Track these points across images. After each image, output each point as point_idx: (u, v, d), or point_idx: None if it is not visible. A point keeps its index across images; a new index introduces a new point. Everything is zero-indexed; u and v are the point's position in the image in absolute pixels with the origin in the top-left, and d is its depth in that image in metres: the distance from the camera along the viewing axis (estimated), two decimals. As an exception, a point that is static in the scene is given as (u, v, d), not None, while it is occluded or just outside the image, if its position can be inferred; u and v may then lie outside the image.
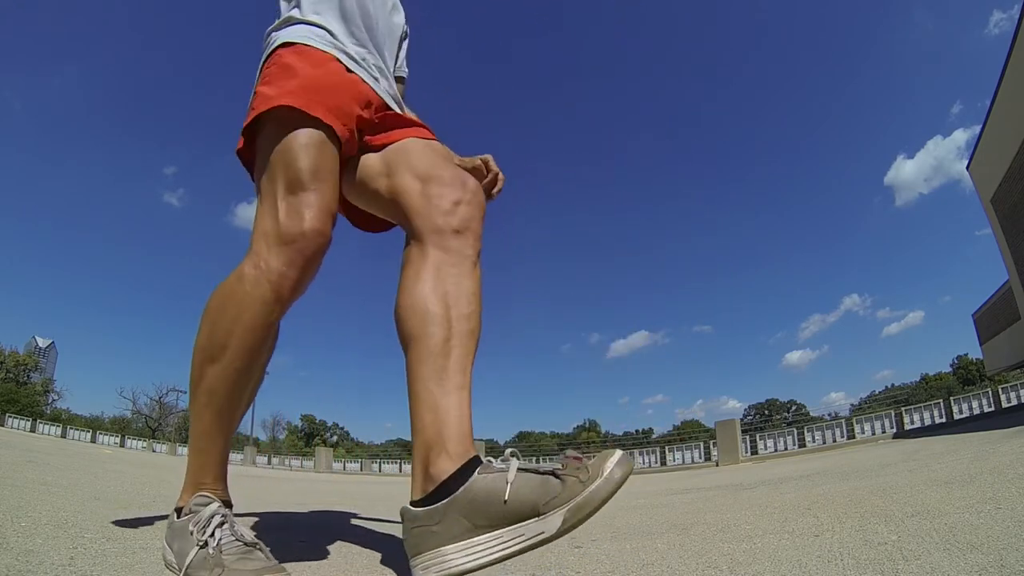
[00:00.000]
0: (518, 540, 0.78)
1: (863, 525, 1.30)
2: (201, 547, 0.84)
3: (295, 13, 1.13)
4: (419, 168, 1.08)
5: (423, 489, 0.87)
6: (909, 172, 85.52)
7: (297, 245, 0.93)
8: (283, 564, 0.85)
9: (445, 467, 0.85)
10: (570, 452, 0.86)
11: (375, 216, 1.20)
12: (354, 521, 1.96)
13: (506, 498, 0.79)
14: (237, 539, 0.85)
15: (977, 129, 13.95)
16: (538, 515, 0.78)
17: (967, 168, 15.14)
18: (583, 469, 0.81)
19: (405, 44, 1.42)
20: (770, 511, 1.75)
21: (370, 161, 1.12)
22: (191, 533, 0.87)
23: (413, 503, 0.87)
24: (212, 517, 0.88)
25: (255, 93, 1.04)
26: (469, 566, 0.79)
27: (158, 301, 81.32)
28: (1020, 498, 1.39)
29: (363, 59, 1.14)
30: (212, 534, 0.85)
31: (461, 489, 0.82)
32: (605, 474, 0.79)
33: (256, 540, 0.87)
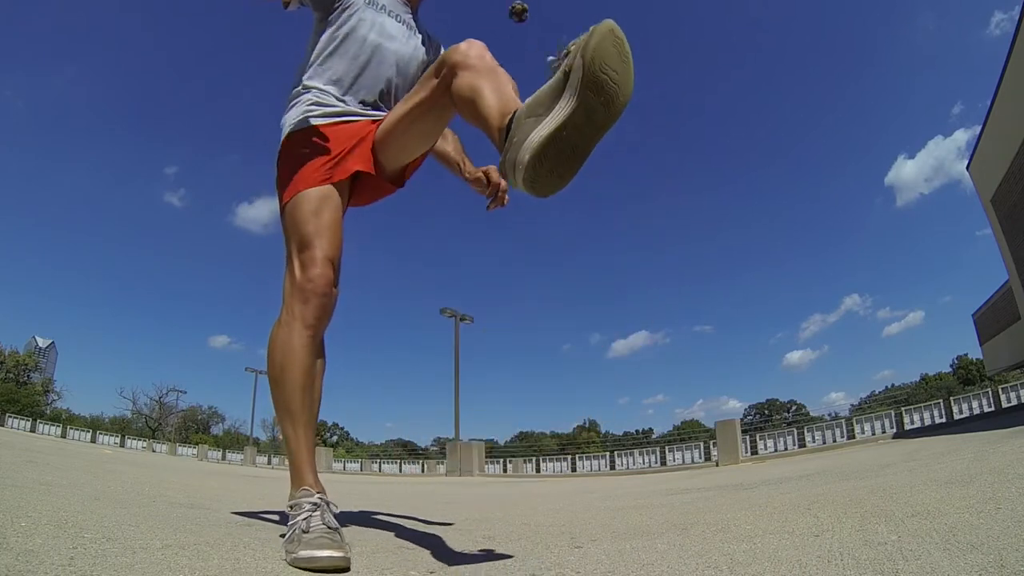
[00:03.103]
0: (565, 103, 0.94)
1: (863, 525, 1.30)
2: (294, 529, 1.11)
3: (302, 81, 1.49)
4: (428, 71, 1.31)
5: (500, 127, 1.05)
6: (910, 172, 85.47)
7: (311, 286, 1.27)
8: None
9: (506, 119, 1.03)
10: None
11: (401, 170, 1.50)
12: (353, 521, 1.96)
13: (534, 95, 0.98)
14: (323, 523, 1.11)
15: (978, 129, 13.96)
16: (566, 79, 0.95)
17: (967, 168, 15.14)
18: (580, 37, 0.97)
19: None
20: (770, 511, 1.75)
21: (392, 120, 1.39)
22: (292, 519, 1.14)
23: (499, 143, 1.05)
24: (306, 506, 1.15)
25: (277, 176, 1.43)
26: (544, 133, 0.93)
27: (158, 301, 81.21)
28: (1020, 498, 1.39)
29: (349, 110, 1.46)
30: (305, 519, 1.11)
31: (515, 116, 1.00)
32: (593, 27, 0.96)
33: (337, 526, 1.13)
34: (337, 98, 1.46)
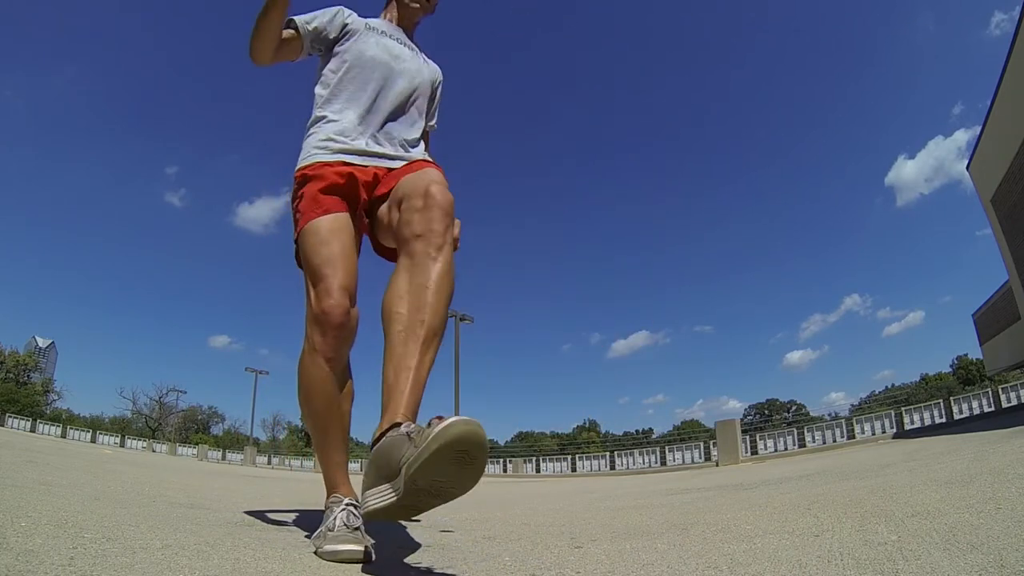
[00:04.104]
0: (388, 494, 0.96)
1: (863, 525, 1.30)
2: (321, 527, 1.24)
3: (315, 112, 1.54)
4: (398, 195, 1.38)
5: (377, 433, 1.07)
6: (910, 172, 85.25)
7: (325, 319, 1.30)
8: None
9: (376, 432, 1.06)
10: (437, 417, 0.95)
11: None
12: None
13: (377, 453, 1.00)
14: (345, 522, 1.22)
15: (978, 129, 13.96)
16: (399, 471, 0.94)
17: (967, 168, 15.13)
18: (428, 428, 0.91)
19: (439, 94, 1.78)
20: (770, 511, 1.75)
21: (382, 209, 1.45)
22: (323, 520, 1.25)
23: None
24: (335, 509, 1.26)
25: (293, 209, 1.47)
26: (369, 509, 0.98)
27: (158, 301, 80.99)
28: (1020, 498, 1.39)
29: (360, 148, 1.49)
30: (332, 519, 1.23)
31: (375, 446, 1.02)
32: (438, 429, 0.88)
33: (359, 524, 1.23)
34: (354, 134, 1.50)
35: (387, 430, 1.02)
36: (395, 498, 0.94)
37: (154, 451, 24.08)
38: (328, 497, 1.33)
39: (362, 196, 1.46)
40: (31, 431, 24.17)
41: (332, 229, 1.38)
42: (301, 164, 1.48)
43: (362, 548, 1.14)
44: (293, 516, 2.01)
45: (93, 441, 24.75)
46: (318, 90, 1.57)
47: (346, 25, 1.59)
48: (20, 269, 72.86)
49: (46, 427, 26.27)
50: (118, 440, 26.34)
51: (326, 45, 1.59)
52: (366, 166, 1.48)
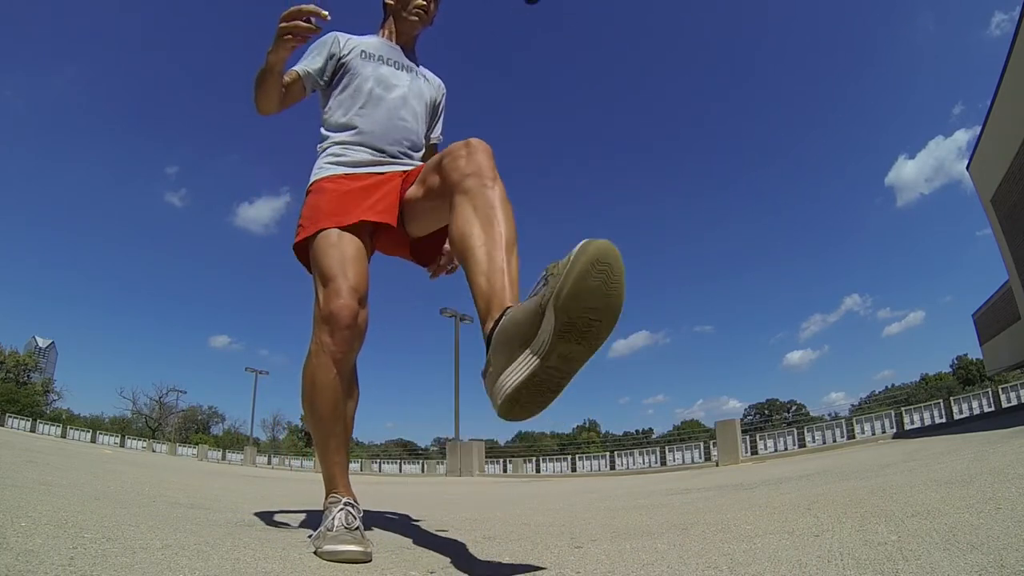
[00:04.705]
0: (528, 359, 0.90)
1: (863, 525, 1.30)
2: (321, 528, 1.25)
3: (324, 134, 1.61)
4: (431, 164, 1.39)
5: (484, 324, 1.05)
6: (910, 172, 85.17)
7: (333, 319, 1.31)
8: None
9: (488, 326, 1.02)
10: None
11: (434, 246, 1.60)
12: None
13: (502, 331, 0.95)
14: (344, 523, 1.24)
15: (978, 129, 13.95)
16: (543, 318, 0.89)
17: (967, 168, 15.13)
18: (560, 262, 0.89)
19: (441, 107, 1.83)
20: (770, 511, 1.75)
21: (410, 192, 1.47)
22: (322, 521, 1.27)
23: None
24: (333, 509, 1.27)
25: (301, 214, 1.50)
26: (508, 390, 0.92)
27: (158, 301, 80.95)
28: (1020, 498, 1.39)
29: (367, 160, 1.55)
30: (331, 519, 1.24)
31: (495, 333, 0.98)
32: (576, 250, 0.86)
33: (358, 525, 1.25)
34: (358, 148, 1.56)
35: (499, 317, 0.98)
36: (538, 361, 0.89)
37: (154, 451, 24.06)
38: (327, 497, 1.34)
39: (368, 195, 1.48)
40: (31, 431, 24.15)
41: (343, 235, 1.40)
42: (313, 178, 1.54)
43: (361, 548, 1.16)
44: (293, 516, 2.01)
45: (93, 441, 24.73)
46: (323, 119, 1.64)
47: (341, 59, 1.64)
48: (20, 269, 72.95)
49: (46, 427, 26.25)
50: (118, 440, 26.31)
51: (325, 82, 1.64)
52: (381, 173, 1.54)
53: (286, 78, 1.56)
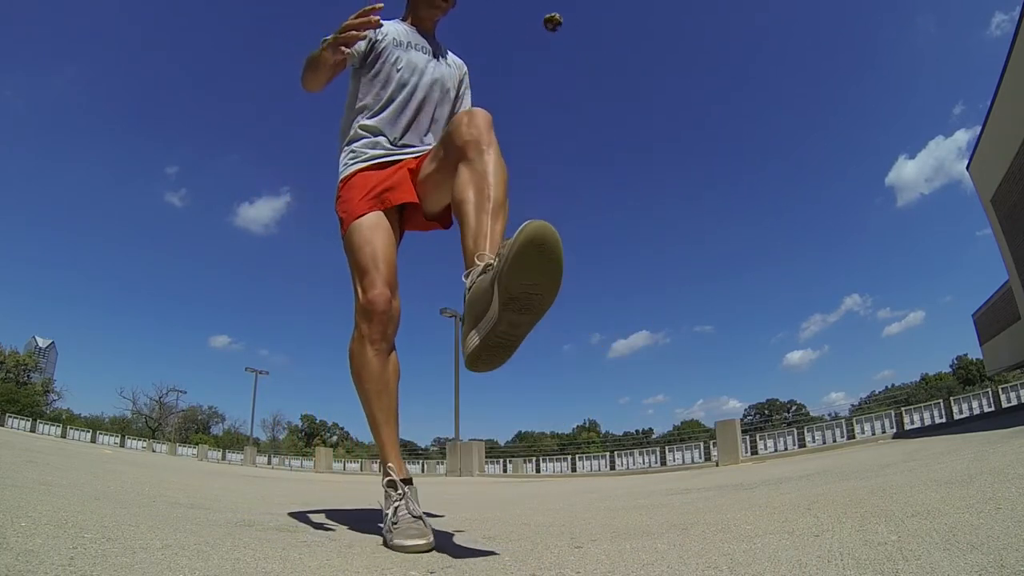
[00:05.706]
0: (485, 325, 1.10)
1: (863, 525, 1.30)
2: (387, 519, 1.36)
3: (350, 125, 1.72)
4: (441, 137, 1.56)
5: (466, 270, 1.23)
6: (910, 172, 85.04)
7: (371, 307, 1.49)
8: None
9: (467, 286, 1.19)
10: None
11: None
12: (353, 521, 1.96)
13: (471, 297, 1.14)
14: (408, 512, 1.35)
15: (978, 129, 13.95)
16: (492, 293, 1.07)
17: (967, 168, 15.12)
18: (507, 242, 1.03)
19: (464, 86, 1.91)
20: (770, 511, 1.75)
21: (423, 164, 1.62)
22: (385, 505, 1.40)
23: None
24: (394, 496, 1.39)
25: (337, 202, 1.66)
26: (472, 348, 1.13)
27: (158, 301, 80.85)
28: (1020, 498, 1.39)
29: (386, 149, 1.68)
30: (394, 510, 1.35)
31: (464, 299, 1.17)
32: (514, 236, 1.00)
33: (420, 514, 1.36)
34: (380, 137, 1.68)
35: (470, 286, 1.16)
36: (491, 327, 1.07)
37: (154, 451, 24.05)
38: (383, 474, 1.45)
39: (391, 183, 1.61)
40: (31, 431, 24.14)
41: (372, 227, 1.56)
42: (341, 175, 1.68)
43: (427, 541, 1.27)
44: (294, 516, 2.01)
45: (93, 441, 24.73)
46: (349, 101, 1.74)
47: (376, 44, 1.72)
48: (20, 269, 72.87)
49: (46, 427, 26.24)
50: (118, 440, 26.31)
51: (360, 61, 1.72)
52: (399, 160, 1.67)
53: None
